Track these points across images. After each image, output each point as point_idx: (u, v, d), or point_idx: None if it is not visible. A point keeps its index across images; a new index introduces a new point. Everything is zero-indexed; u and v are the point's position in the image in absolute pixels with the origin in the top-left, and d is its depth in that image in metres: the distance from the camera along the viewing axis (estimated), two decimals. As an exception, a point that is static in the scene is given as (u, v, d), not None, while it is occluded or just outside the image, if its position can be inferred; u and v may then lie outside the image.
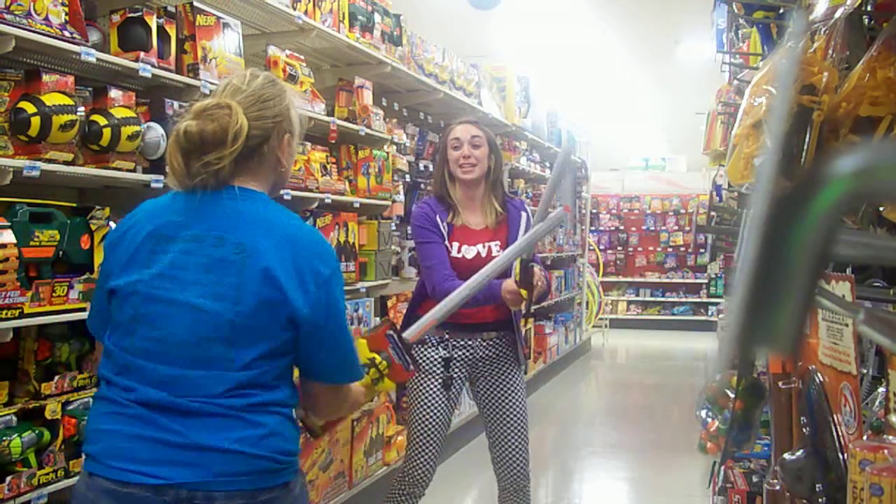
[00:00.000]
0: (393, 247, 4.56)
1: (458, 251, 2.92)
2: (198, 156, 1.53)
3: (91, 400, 2.49)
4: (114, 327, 1.58)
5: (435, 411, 2.91)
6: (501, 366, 2.98)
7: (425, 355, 2.91)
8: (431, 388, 2.90)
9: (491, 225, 2.99)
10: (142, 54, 2.72)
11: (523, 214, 3.03)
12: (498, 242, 2.96)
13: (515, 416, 2.95)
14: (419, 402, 2.91)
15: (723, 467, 2.80)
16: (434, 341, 2.92)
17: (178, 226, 1.56)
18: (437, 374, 2.91)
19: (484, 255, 2.93)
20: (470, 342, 2.93)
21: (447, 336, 2.91)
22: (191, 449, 1.48)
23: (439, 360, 2.91)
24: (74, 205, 2.53)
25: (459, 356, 2.94)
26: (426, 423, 2.91)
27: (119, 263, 1.58)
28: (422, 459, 2.90)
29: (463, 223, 2.98)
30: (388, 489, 3.02)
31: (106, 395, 1.56)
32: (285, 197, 3.42)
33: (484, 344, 2.94)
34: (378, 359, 1.95)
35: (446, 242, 2.92)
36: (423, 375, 2.90)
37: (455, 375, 2.93)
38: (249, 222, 1.56)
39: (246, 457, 1.49)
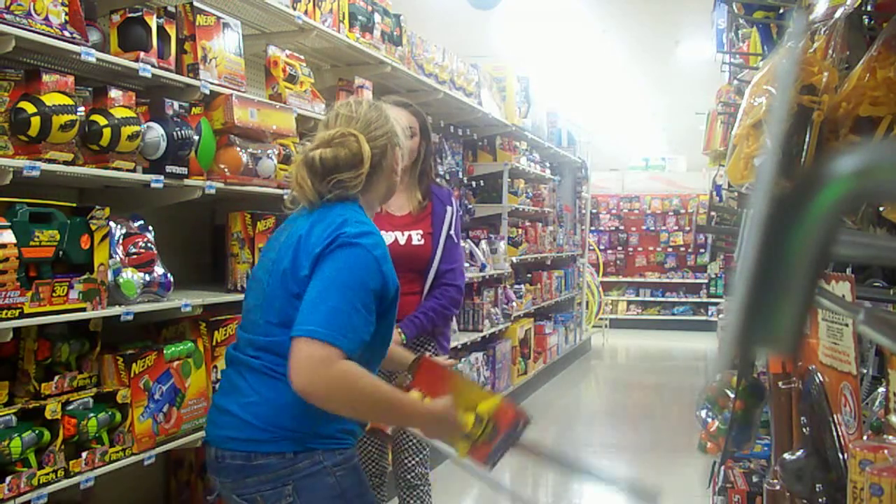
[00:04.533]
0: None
1: None
2: (325, 177, 1.80)
3: (91, 400, 2.50)
4: None
5: None
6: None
7: None
8: None
9: (414, 211, 2.87)
10: (142, 54, 2.72)
11: (448, 209, 2.90)
12: (420, 231, 2.84)
13: None
14: None
15: (723, 467, 2.79)
16: None
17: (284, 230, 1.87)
18: None
19: (403, 242, 2.81)
20: None
21: None
22: (215, 408, 1.83)
23: None
24: (74, 205, 2.53)
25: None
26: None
27: None
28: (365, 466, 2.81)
29: (384, 208, 2.78)
30: None
31: None
32: (285, 197, 3.41)
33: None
34: (487, 425, 1.79)
35: None
36: None
37: None
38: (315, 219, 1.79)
39: (241, 421, 1.72)
